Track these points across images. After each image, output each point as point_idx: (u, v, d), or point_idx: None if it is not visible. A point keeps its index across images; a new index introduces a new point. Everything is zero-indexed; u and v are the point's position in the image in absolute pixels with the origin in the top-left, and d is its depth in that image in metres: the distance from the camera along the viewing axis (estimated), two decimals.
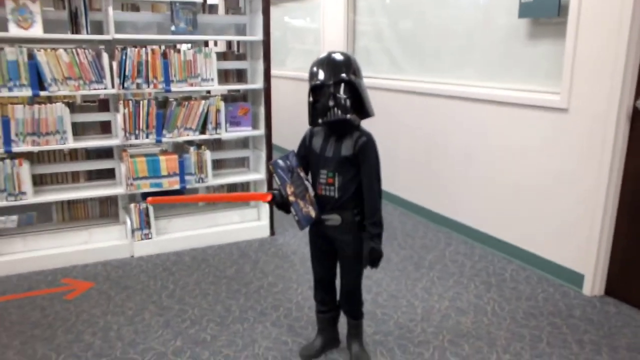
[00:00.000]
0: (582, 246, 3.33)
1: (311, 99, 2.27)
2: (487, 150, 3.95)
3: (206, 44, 4.65)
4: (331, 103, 2.18)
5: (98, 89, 3.52)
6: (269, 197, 2.28)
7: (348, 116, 2.20)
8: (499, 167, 3.87)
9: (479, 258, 3.86)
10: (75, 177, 3.91)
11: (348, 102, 2.20)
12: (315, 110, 2.27)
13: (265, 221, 4.28)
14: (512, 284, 3.44)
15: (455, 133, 4.24)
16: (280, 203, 2.26)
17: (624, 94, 2.99)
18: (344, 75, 2.18)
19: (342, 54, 2.27)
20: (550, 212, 3.51)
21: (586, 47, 3.16)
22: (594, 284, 3.28)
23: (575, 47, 3.21)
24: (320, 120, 2.24)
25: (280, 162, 2.22)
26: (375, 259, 2.27)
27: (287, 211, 2.26)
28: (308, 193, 2.28)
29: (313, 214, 2.29)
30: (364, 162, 2.26)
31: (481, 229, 4.10)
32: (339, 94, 2.19)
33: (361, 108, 2.26)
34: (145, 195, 4.01)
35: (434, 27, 4.46)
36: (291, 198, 2.20)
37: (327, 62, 2.22)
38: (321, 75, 2.20)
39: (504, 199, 3.87)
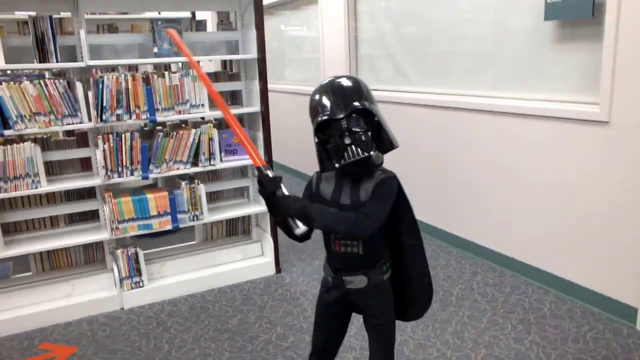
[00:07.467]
0: (633, 274, 2.90)
1: (317, 139, 1.79)
2: (514, 167, 3.53)
3: None
4: (347, 141, 1.71)
5: (72, 124, 3.10)
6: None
7: (371, 153, 1.73)
8: (528, 184, 3.45)
9: (510, 289, 3.43)
10: (54, 221, 3.48)
11: (368, 137, 1.74)
12: (326, 152, 1.79)
13: (269, 257, 3.84)
14: (553, 320, 3.02)
15: (479, 148, 3.80)
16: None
17: None
18: (356, 103, 1.72)
19: (348, 77, 1.80)
20: (593, 235, 3.09)
21: (628, 49, 2.76)
22: None
23: (615, 50, 2.81)
24: (337, 165, 1.76)
25: None
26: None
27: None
28: None
29: None
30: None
31: (510, 254, 3.67)
32: (354, 127, 1.73)
33: (381, 140, 1.80)
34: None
35: (447, 31, 4.03)
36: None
37: (333, 91, 1.75)
38: (328, 108, 1.72)
39: (534, 221, 3.44)
